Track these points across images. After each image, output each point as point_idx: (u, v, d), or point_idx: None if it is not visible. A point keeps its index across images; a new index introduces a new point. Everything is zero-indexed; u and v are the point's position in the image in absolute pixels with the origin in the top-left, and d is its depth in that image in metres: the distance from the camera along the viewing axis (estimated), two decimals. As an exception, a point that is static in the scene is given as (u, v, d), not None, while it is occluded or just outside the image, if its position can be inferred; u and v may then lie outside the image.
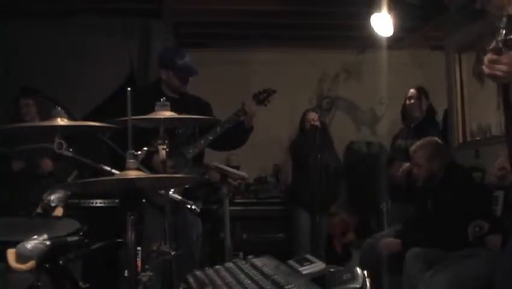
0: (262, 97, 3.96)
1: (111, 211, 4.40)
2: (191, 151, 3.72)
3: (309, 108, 5.79)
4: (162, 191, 2.55)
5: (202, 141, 3.75)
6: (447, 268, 3.43)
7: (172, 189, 2.59)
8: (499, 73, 1.97)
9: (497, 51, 1.96)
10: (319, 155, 5.25)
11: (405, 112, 4.98)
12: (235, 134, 3.86)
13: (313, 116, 5.45)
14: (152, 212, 3.10)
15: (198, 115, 2.96)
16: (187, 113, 2.69)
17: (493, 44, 2.00)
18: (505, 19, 1.96)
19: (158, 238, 2.42)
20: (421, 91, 4.93)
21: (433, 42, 6.11)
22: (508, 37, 1.96)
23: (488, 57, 2.00)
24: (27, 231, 2.30)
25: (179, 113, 2.50)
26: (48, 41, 5.27)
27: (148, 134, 2.45)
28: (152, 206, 3.16)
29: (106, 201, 4.49)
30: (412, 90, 4.94)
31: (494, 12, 2.14)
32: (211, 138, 3.74)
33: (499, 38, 1.96)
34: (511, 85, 2.02)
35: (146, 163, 2.35)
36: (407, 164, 4.40)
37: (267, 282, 1.94)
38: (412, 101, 4.90)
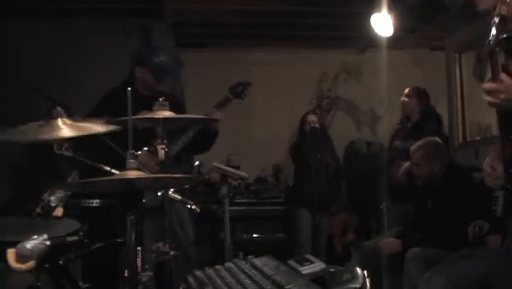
0: (239, 90, 3.98)
1: (111, 211, 4.39)
2: (172, 149, 3.71)
3: (309, 110, 5.80)
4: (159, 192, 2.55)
5: (181, 139, 3.75)
6: (447, 268, 3.43)
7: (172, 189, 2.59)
8: (499, 101, 1.99)
9: (494, 79, 1.98)
10: (319, 156, 5.27)
11: (402, 112, 4.98)
12: (201, 139, 3.87)
13: (313, 118, 5.48)
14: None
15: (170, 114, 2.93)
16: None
17: (489, 76, 2.02)
18: (496, 19, 1.97)
19: (149, 239, 2.41)
20: (417, 91, 4.91)
21: (433, 42, 6.11)
22: (500, 37, 1.97)
23: (486, 86, 2.02)
24: (27, 231, 2.30)
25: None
26: (48, 41, 5.26)
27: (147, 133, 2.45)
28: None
29: (106, 201, 4.49)
30: (406, 90, 4.93)
31: (484, 13, 2.15)
32: (190, 135, 3.74)
33: (490, 38, 1.97)
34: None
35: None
36: (407, 164, 4.40)
37: (267, 282, 1.94)
38: (406, 100, 4.89)
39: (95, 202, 4.47)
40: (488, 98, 2.02)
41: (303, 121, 5.50)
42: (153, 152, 2.78)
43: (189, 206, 2.73)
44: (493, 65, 2.01)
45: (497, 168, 2.22)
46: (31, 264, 2.19)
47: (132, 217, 1.91)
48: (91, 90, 5.35)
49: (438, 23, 5.23)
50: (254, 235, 5.80)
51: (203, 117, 3.26)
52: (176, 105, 3.83)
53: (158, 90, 3.75)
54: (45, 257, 2.22)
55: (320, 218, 5.37)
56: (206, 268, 2.36)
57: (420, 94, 4.91)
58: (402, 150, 4.63)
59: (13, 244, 2.22)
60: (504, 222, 3.39)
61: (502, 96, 1.98)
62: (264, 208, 5.90)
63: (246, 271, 2.15)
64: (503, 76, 1.99)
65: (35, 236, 2.23)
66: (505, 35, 1.97)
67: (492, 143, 4.43)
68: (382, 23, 4.77)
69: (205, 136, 3.89)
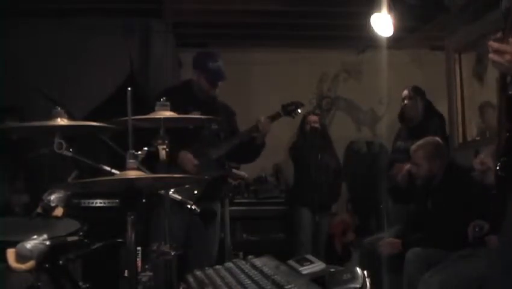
0: (290, 109, 4.05)
1: (111, 211, 4.40)
2: (215, 153, 3.79)
3: (309, 110, 5.80)
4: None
5: (226, 145, 3.83)
6: (447, 268, 3.43)
7: (172, 190, 2.59)
8: (503, 61, 1.97)
9: (503, 39, 1.96)
10: (319, 156, 5.26)
11: (403, 113, 4.97)
12: (247, 149, 3.94)
13: (314, 118, 5.49)
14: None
15: (225, 121, 2.99)
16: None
17: (500, 33, 1.99)
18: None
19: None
20: (415, 91, 4.90)
21: (433, 42, 6.11)
22: None
23: (494, 45, 1.99)
24: (27, 231, 2.30)
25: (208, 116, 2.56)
26: (48, 41, 5.26)
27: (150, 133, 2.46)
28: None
29: (106, 201, 4.49)
30: (405, 92, 4.92)
31: None
32: (234, 142, 3.83)
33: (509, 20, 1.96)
34: (509, 75, 2.03)
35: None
36: (407, 166, 4.39)
37: (267, 282, 1.94)
38: (406, 102, 4.88)
39: (95, 202, 4.49)
40: (493, 56, 1.99)
41: (303, 121, 5.50)
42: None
43: (189, 206, 2.73)
44: (506, 25, 1.98)
45: (487, 163, 2.20)
46: (30, 264, 2.19)
47: (132, 217, 1.91)
48: (91, 90, 5.37)
49: (438, 23, 5.22)
50: (254, 235, 5.80)
51: (203, 117, 3.27)
52: (231, 115, 3.97)
53: (212, 95, 3.87)
54: (45, 257, 2.22)
55: (320, 218, 5.37)
56: (206, 268, 2.36)
57: (419, 94, 4.90)
58: (403, 150, 4.63)
59: (13, 244, 2.22)
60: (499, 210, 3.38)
61: (508, 57, 1.95)
62: (264, 208, 5.90)
63: (246, 271, 2.15)
64: None
65: (35, 236, 2.23)
66: None
67: (492, 143, 4.44)
68: (382, 23, 4.77)
69: (251, 147, 3.95)
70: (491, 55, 2.00)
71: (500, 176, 2.05)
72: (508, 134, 2.04)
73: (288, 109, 4.05)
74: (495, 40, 2.00)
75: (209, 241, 3.90)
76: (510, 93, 2.03)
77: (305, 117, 5.51)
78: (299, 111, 4.14)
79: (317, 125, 5.39)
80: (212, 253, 3.93)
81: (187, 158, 3.65)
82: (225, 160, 4.01)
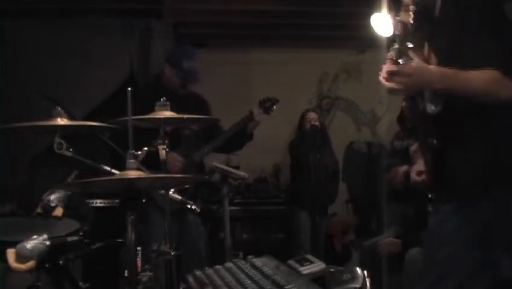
0: (268, 105, 4.04)
1: (111, 211, 4.40)
2: (199, 155, 3.78)
3: (308, 108, 5.79)
4: (162, 191, 2.55)
5: (210, 146, 3.81)
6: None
7: (172, 190, 2.59)
8: (398, 85, 1.90)
9: (396, 60, 1.88)
10: (318, 155, 5.25)
11: (403, 115, 4.96)
12: (235, 139, 3.91)
13: (313, 116, 5.47)
14: (156, 213, 3.12)
15: (195, 112, 2.97)
16: (183, 110, 2.69)
17: (391, 53, 1.92)
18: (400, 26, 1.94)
19: (160, 238, 2.43)
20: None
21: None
22: (405, 45, 1.90)
23: (386, 67, 1.91)
24: (27, 231, 2.30)
25: (177, 109, 2.51)
26: (48, 41, 5.26)
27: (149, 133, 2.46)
28: (156, 208, 3.17)
29: (106, 201, 4.49)
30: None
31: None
32: (218, 143, 3.81)
33: (395, 47, 1.90)
34: (424, 95, 1.98)
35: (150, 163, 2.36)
36: (404, 168, 4.38)
37: (267, 282, 1.94)
38: (404, 103, 4.88)
39: (95, 202, 4.49)
40: (386, 81, 1.90)
41: (302, 118, 5.49)
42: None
43: (189, 206, 2.73)
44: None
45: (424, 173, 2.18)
46: (30, 263, 2.19)
47: (132, 217, 1.91)
48: (91, 90, 5.37)
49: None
50: (254, 235, 5.80)
51: (203, 117, 3.27)
52: (201, 105, 3.91)
53: (182, 92, 3.80)
54: (45, 257, 2.22)
55: (319, 218, 5.36)
56: (206, 268, 2.36)
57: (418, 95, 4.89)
58: (400, 150, 4.62)
59: (13, 244, 2.22)
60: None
61: (404, 79, 1.87)
62: (264, 208, 5.89)
63: (246, 271, 2.15)
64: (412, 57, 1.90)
65: (35, 236, 2.23)
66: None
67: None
68: (382, 23, 4.76)
69: (240, 137, 3.95)
70: (383, 81, 1.91)
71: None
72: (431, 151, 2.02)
73: (265, 106, 4.06)
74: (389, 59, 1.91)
75: (198, 240, 3.88)
76: (430, 109, 1.96)
77: (303, 115, 5.50)
78: (274, 107, 4.14)
79: (316, 123, 5.38)
80: (201, 253, 3.91)
81: (174, 158, 3.61)
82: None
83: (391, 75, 1.90)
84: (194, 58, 3.81)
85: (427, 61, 1.99)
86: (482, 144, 1.91)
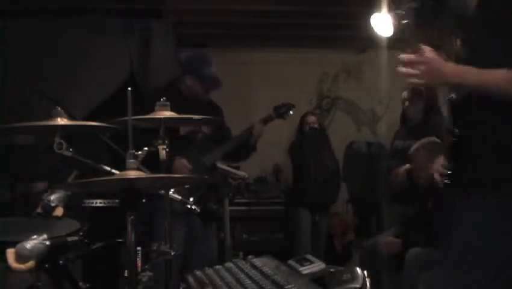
0: (283, 111, 4.05)
1: (111, 211, 4.39)
2: (209, 159, 3.80)
3: (308, 111, 5.80)
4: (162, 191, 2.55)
5: (219, 151, 3.83)
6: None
7: (172, 190, 2.59)
8: (417, 75, 1.93)
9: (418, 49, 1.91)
10: (318, 156, 5.26)
11: (405, 115, 4.97)
12: (240, 148, 3.99)
13: (312, 119, 5.51)
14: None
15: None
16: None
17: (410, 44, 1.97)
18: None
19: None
20: (414, 92, 4.90)
21: (433, 42, 6.09)
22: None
23: (406, 57, 1.94)
24: (27, 231, 2.30)
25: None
26: (48, 41, 5.26)
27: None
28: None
29: (106, 201, 4.49)
30: (404, 93, 4.92)
31: None
32: (227, 148, 3.84)
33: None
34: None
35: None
36: (403, 168, 4.38)
37: (267, 282, 1.94)
38: (406, 104, 4.88)
39: (95, 202, 4.48)
40: (404, 70, 1.93)
41: (302, 121, 5.50)
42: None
43: (189, 206, 2.73)
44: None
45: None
46: (30, 263, 2.19)
47: (132, 217, 1.91)
48: (91, 90, 5.37)
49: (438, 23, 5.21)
50: (254, 235, 5.80)
51: (204, 117, 3.26)
52: (217, 111, 3.96)
53: (202, 99, 3.85)
54: (45, 257, 2.22)
55: (320, 218, 5.37)
56: (206, 268, 2.36)
57: (418, 94, 4.89)
58: (401, 150, 4.62)
59: (13, 244, 2.22)
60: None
61: (422, 67, 1.89)
62: (264, 208, 5.89)
63: (246, 271, 2.15)
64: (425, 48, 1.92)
65: (35, 236, 2.22)
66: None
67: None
68: (382, 23, 4.76)
69: (244, 147, 4.01)
70: (401, 69, 1.94)
71: (446, 183, 2.03)
72: (453, 139, 2.02)
73: (280, 111, 4.07)
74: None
75: (209, 241, 3.90)
76: (452, 97, 1.99)
77: (303, 118, 5.51)
78: (291, 112, 4.16)
79: (315, 126, 5.40)
80: (214, 254, 3.94)
81: (182, 164, 3.62)
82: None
83: (410, 64, 1.88)
84: (212, 63, 3.87)
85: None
86: (505, 130, 1.90)
